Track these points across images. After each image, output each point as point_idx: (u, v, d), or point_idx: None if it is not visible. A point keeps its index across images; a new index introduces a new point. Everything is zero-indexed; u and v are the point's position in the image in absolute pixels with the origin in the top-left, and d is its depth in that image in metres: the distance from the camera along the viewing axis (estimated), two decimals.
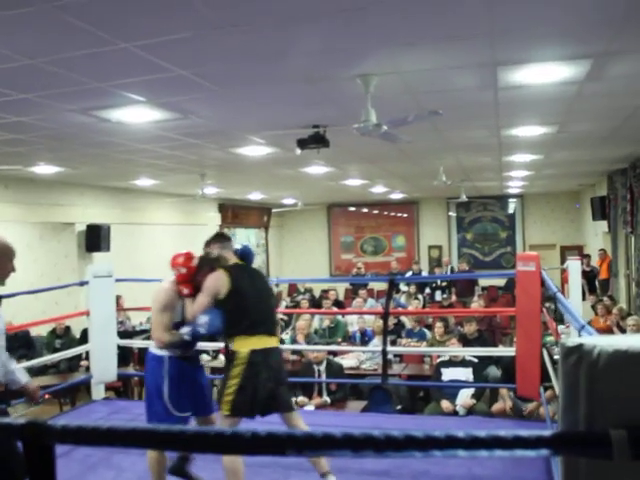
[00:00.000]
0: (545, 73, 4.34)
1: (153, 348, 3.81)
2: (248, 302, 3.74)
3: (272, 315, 4.00)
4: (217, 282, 3.72)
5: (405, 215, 18.21)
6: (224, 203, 15.45)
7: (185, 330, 3.67)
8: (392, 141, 5.53)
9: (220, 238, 4.08)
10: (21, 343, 8.55)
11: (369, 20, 3.18)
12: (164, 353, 3.75)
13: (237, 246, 4.16)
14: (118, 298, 9.04)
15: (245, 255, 4.10)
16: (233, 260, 3.94)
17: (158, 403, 3.71)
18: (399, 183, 12.78)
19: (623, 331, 8.15)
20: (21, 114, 5.07)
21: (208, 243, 4.03)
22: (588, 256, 13.28)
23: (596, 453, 1.04)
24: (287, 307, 13.95)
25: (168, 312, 3.73)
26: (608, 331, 8.38)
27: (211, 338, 4.39)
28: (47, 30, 3.17)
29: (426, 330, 9.10)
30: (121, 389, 8.05)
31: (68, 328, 9.11)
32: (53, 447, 1.17)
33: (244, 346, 3.63)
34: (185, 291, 3.83)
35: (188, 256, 3.90)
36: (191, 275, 3.85)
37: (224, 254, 3.93)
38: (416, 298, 11.80)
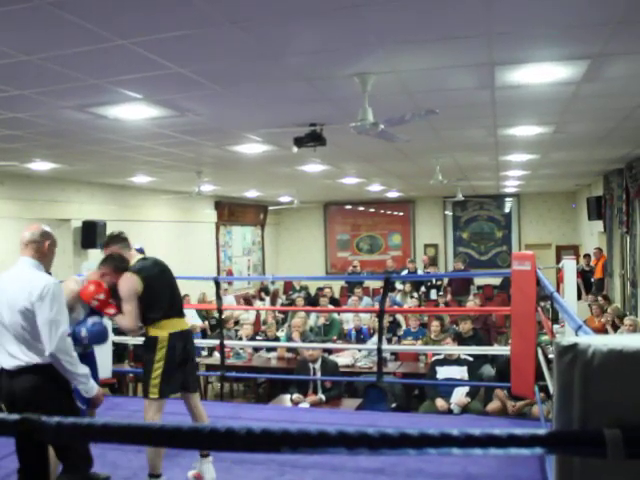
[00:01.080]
0: (542, 73, 4.35)
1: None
2: (161, 290, 4.01)
3: (180, 299, 4.26)
4: (131, 284, 3.89)
5: (401, 214, 18.22)
6: (220, 201, 15.44)
7: (76, 330, 3.84)
8: (389, 140, 5.53)
9: (117, 239, 4.18)
10: None
11: (367, 19, 3.18)
12: None
13: (136, 246, 4.33)
14: None
15: (142, 250, 4.34)
16: (136, 257, 4.13)
17: None
18: (395, 182, 12.79)
19: (617, 331, 8.19)
20: (17, 110, 5.05)
21: (107, 245, 4.15)
22: (588, 256, 13.28)
23: (590, 452, 1.04)
24: (283, 305, 13.96)
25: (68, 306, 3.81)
26: (602, 331, 8.41)
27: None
28: (44, 26, 3.16)
29: (425, 329, 9.11)
30: (116, 386, 8.04)
31: None
32: (47, 443, 1.17)
33: (163, 330, 3.90)
34: (111, 311, 3.95)
35: (96, 283, 3.94)
36: (109, 295, 3.94)
37: (125, 253, 4.09)
38: (412, 297, 11.81)
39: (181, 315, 4.12)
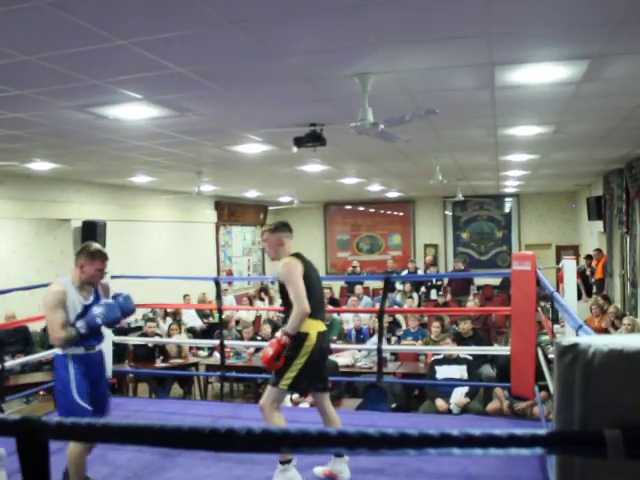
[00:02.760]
0: (542, 73, 4.35)
1: (58, 350, 3.83)
2: (316, 286, 4.08)
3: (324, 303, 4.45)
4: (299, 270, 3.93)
5: (401, 214, 18.22)
6: (220, 201, 15.44)
7: (80, 323, 3.72)
8: (389, 140, 5.53)
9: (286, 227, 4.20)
10: (18, 338, 8.52)
11: (367, 19, 3.18)
12: (68, 352, 3.78)
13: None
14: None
15: None
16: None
17: (68, 399, 3.76)
18: (395, 182, 12.79)
19: (616, 330, 8.19)
20: (17, 110, 5.06)
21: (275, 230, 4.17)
22: (590, 257, 13.24)
23: (590, 452, 1.04)
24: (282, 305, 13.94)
25: (60, 310, 3.71)
26: (602, 331, 8.40)
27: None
28: (44, 27, 3.16)
29: (425, 330, 9.11)
30: (116, 386, 8.03)
31: None
32: (47, 443, 1.17)
33: (312, 328, 3.90)
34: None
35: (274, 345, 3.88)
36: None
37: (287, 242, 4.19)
38: (410, 297, 11.81)
39: (324, 317, 4.15)
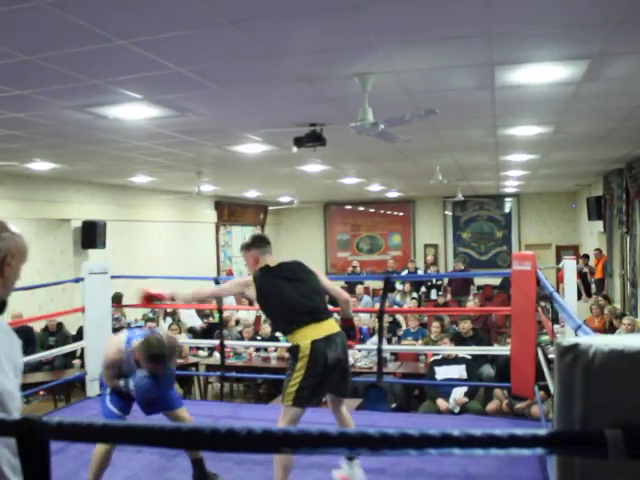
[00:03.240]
0: (542, 73, 4.35)
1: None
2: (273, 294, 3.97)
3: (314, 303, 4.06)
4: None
5: (401, 214, 18.22)
6: (220, 201, 15.44)
7: (122, 383, 3.84)
8: (389, 140, 5.53)
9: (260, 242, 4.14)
10: (21, 338, 8.48)
11: (367, 19, 3.18)
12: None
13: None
14: (121, 296, 9.03)
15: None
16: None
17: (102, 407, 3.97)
18: (395, 182, 12.79)
19: (614, 331, 8.19)
20: (17, 110, 5.05)
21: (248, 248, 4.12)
22: (586, 256, 13.28)
23: (591, 452, 1.04)
24: None
25: (114, 367, 3.86)
26: (602, 331, 8.41)
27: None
28: (44, 27, 3.16)
29: (425, 330, 9.11)
30: None
31: (61, 325, 9.09)
32: (48, 443, 1.17)
33: (305, 338, 3.76)
34: None
35: None
36: None
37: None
38: (413, 298, 11.81)
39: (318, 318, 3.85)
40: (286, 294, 3.82)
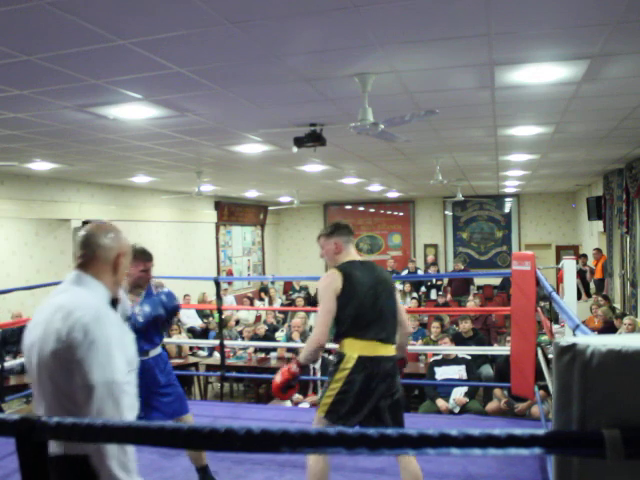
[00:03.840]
0: (542, 73, 4.35)
1: None
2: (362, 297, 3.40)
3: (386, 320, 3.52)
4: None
5: (401, 214, 18.22)
6: (220, 201, 15.44)
7: None
8: (389, 140, 5.53)
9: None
10: (19, 338, 8.52)
11: (367, 19, 3.18)
12: None
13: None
14: None
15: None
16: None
17: None
18: (395, 182, 12.80)
19: (613, 331, 8.18)
20: (18, 110, 5.05)
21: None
22: (584, 256, 13.29)
23: (589, 452, 1.04)
24: (283, 305, 13.98)
25: None
26: (601, 331, 8.40)
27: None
28: (44, 26, 3.16)
29: (425, 330, 9.12)
30: None
31: None
32: (47, 443, 1.17)
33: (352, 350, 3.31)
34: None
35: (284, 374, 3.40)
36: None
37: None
38: (413, 298, 11.82)
39: (382, 336, 3.35)
40: (369, 295, 3.34)
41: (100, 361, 1.78)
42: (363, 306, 3.29)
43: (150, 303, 3.76)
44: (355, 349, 3.26)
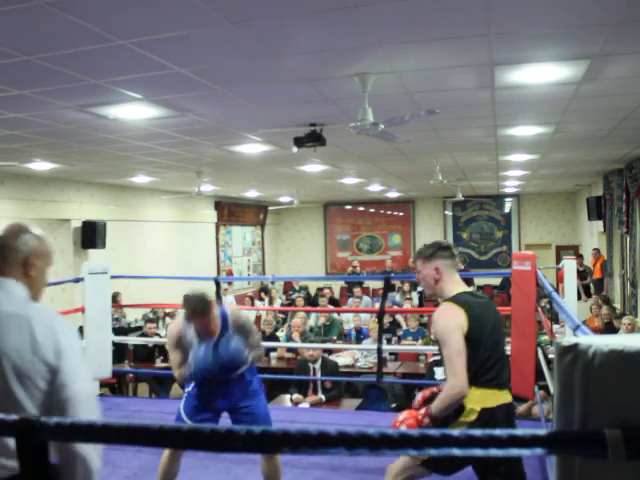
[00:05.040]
0: (542, 73, 4.35)
1: None
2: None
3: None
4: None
5: (401, 214, 18.23)
6: (220, 201, 15.44)
7: (185, 371, 3.63)
8: (389, 140, 5.53)
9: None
10: None
11: (367, 19, 3.18)
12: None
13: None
14: (117, 295, 9.04)
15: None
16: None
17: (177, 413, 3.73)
18: (395, 182, 12.80)
19: (613, 331, 8.19)
20: (17, 110, 5.05)
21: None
22: (581, 256, 13.30)
23: (591, 453, 1.04)
24: (282, 305, 13.98)
25: (175, 351, 3.63)
26: (601, 331, 8.41)
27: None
28: (44, 26, 3.16)
29: (425, 330, 9.11)
30: (116, 386, 8.04)
31: None
32: (47, 443, 1.17)
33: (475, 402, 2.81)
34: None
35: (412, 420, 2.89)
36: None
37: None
38: (407, 298, 11.83)
39: (501, 382, 2.88)
40: (490, 333, 2.85)
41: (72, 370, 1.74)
42: (486, 351, 2.81)
43: (207, 352, 3.57)
44: (476, 400, 2.76)
